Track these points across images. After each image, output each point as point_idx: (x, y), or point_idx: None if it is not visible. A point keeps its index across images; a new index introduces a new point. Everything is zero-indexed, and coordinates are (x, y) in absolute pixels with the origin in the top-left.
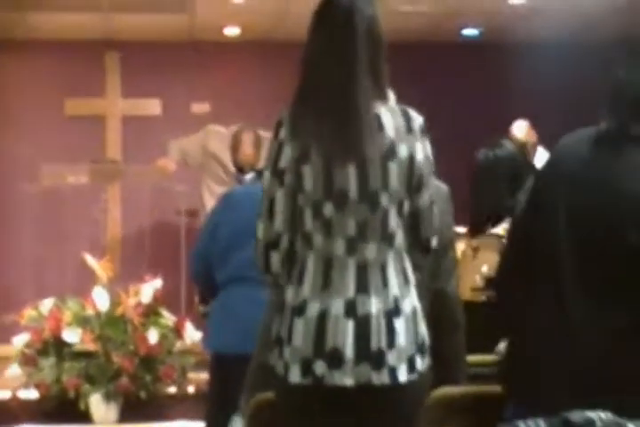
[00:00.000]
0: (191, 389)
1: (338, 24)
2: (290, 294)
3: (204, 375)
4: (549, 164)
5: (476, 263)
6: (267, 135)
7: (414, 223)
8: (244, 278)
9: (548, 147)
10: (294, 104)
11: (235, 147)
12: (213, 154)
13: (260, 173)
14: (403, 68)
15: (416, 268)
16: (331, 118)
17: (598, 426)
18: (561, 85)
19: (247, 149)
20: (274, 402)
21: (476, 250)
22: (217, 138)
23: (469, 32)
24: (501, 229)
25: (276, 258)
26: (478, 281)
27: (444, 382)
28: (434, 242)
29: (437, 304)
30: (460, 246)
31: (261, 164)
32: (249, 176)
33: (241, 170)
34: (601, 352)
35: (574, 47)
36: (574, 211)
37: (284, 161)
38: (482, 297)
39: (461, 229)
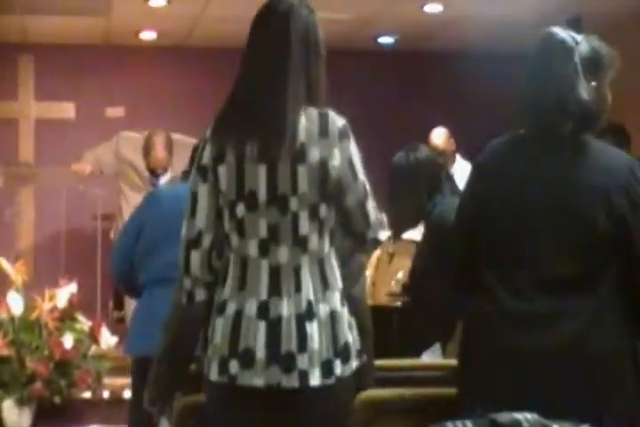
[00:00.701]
0: (106, 394)
1: (273, 28)
2: (217, 295)
3: (119, 381)
4: (484, 168)
5: (392, 269)
6: (180, 138)
7: (347, 223)
8: (167, 280)
9: (466, 154)
10: (223, 107)
11: (146, 150)
12: (128, 160)
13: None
14: None
15: (351, 253)
16: (251, 121)
17: None
18: (478, 94)
19: (159, 151)
20: (200, 404)
21: (391, 256)
22: (130, 144)
23: (385, 40)
24: (416, 234)
25: (196, 258)
26: (394, 287)
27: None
28: (371, 234)
29: None
30: (376, 252)
31: (175, 167)
32: (163, 180)
33: (153, 172)
34: (559, 346)
35: (491, 57)
36: (529, 207)
37: (205, 159)
38: (397, 303)
39: None
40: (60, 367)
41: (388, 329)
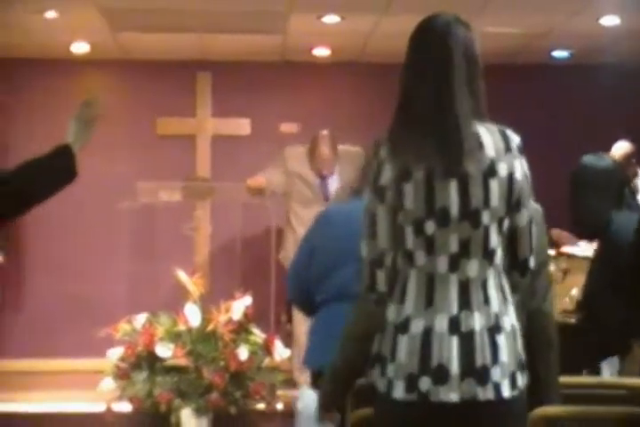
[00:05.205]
0: (280, 406)
1: (434, 48)
2: (391, 312)
3: (292, 393)
4: None
5: (566, 286)
6: (345, 149)
7: (512, 243)
8: (346, 296)
9: None
10: (394, 126)
11: (312, 150)
12: (296, 173)
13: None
14: (491, 89)
15: (514, 288)
16: (432, 138)
17: None
18: None
19: (324, 149)
20: (371, 418)
21: (565, 272)
22: (296, 156)
23: (559, 54)
24: (590, 250)
25: (381, 277)
26: (568, 303)
27: (538, 401)
28: (532, 262)
29: (533, 323)
30: (550, 269)
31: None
32: (332, 186)
33: (320, 175)
34: None
35: None
36: None
37: (385, 179)
38: (572, 320)
39: (550, 252)
40: (235, 379)
41: (562, 346)
